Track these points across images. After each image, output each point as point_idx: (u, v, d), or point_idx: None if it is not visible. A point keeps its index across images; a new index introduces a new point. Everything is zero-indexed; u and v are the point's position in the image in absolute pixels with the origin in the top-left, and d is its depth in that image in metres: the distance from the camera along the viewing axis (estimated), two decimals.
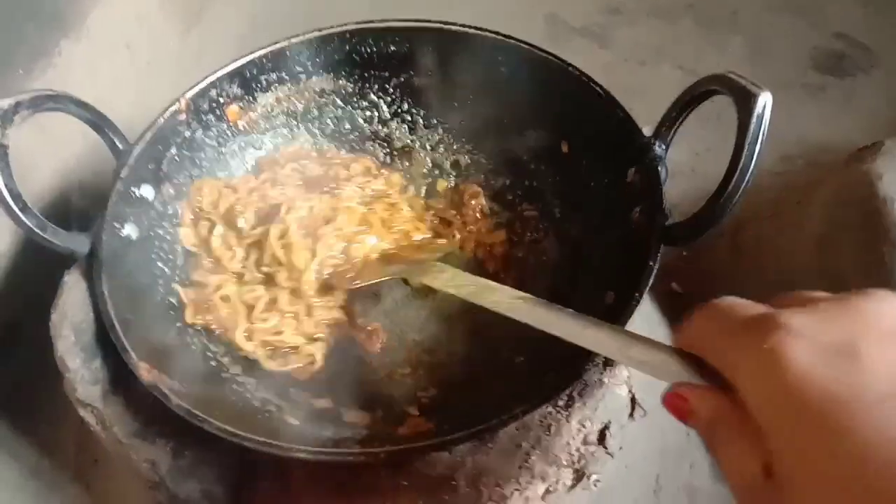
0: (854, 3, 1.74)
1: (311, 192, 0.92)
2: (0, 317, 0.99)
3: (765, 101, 0.68)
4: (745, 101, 0.69)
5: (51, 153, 1.04)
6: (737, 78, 0.71)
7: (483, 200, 1.01)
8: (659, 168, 0.81)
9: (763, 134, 0.68)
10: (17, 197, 0.73)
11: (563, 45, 1.67)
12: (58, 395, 0.96)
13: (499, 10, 1.74)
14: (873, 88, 1.56)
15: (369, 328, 0.89)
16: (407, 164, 1.06)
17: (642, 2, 1.80)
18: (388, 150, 1.07)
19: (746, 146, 0.68)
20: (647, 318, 1.03)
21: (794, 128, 1.46)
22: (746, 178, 0.68)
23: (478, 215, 1.00)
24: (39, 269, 0.98)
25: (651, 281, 0.73)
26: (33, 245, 0.77)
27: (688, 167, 1.39)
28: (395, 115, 1.05)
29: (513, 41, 0.96)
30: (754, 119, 0.67)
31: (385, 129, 1.06)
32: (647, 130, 1.39)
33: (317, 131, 1.05)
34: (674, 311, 1.09)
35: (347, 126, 1.06)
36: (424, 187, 1.05)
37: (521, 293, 0.68)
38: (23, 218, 0.74)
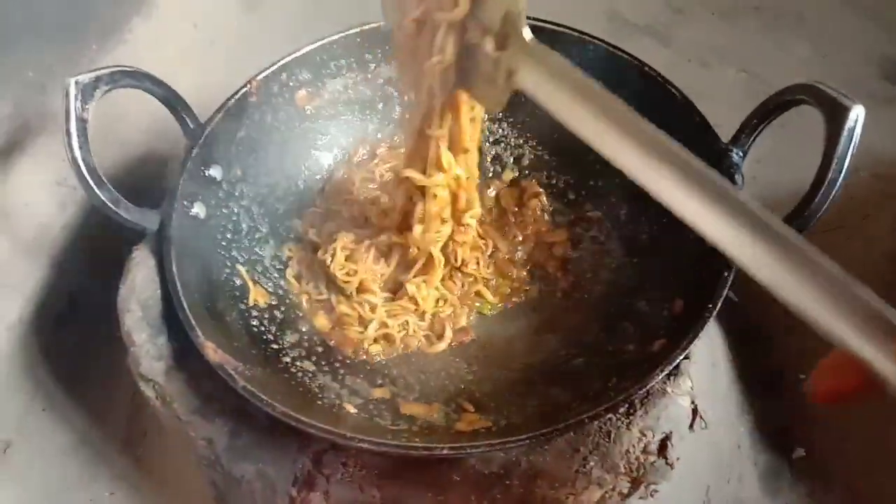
0: None
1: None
2: (63, 287, 1.01)
3: (857, 114, 0.66)
4: (835, 114, 0.67)
5: (120, 127, 1.05)
6: (827, 89, 0.70)
7: (544, 199, 1.00)
8: (735, 176, 0.79)
9: (854, 148, 0.66)
10: (93, 171, 0.75)
11: (624, 43, 1.64)
12: (112, 366, 0.99)
13: (562, 6, 1.72)
14: None
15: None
16: None
17: (707, 1, 1.76)
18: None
19: (835, 160, 0.66)
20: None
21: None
22: (833, 193, 0.67)
23: (538, 213, 0.99)
24: (102, 242, 1.00)
25: (726, 292, 0.71)
26: (98, 218, 0.78)
27: (749, 174, 1.36)
28: None
29: (586, 36, 0.95)
30: (845, 132, 0.66)
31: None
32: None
33: (382, 119, 1.05)
34: (730, 320, 1.07)
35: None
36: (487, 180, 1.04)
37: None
38: (98, 192, 0.75)
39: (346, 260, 0.89)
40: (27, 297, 0.96)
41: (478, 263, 0.92)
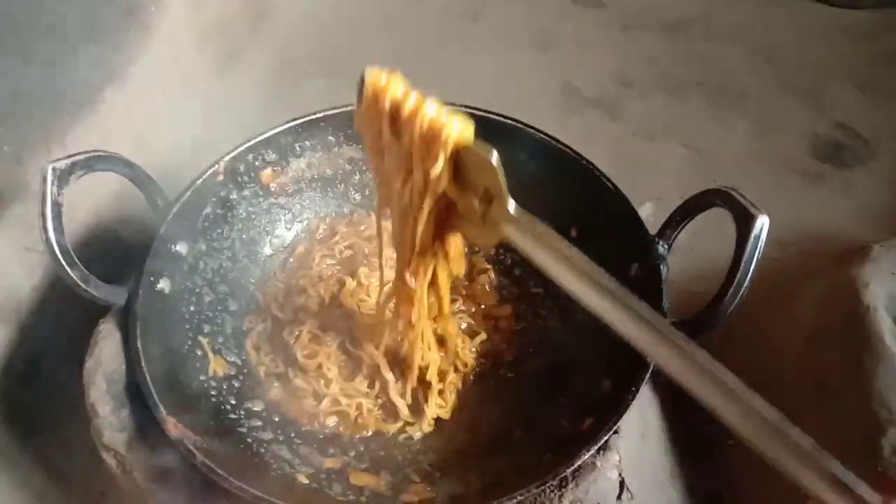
0: (855, 95, 1.82)
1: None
2: (27, 349, 1.04)
3: (762, 223, 0.74)
4: (744, 221, 0.75)
5: (87, 203, 1.10)
6: (738, 197, 0.78)
7: (492, 275, 1.07)
8: (661, 267, 0.87)
9: (759, 253, 0.74)
10: (65, 252, 0.79)
11: (576, 114, 1.75)
12: (72, 427, 1.02)
13: (519, 77, 1.82)
14: (870, 181, 1.62)
15: None
16: None
17: (654, 77, 1.88)
18: None
19: (743, 263, 0.74)
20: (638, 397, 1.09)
21: (791, 214, 1.52)
22: (741, 293, 0.75)
23: (486, 288, 1.06)
24: (67, 306, 1.04)
25: (647, 376, 0.78)
26: (64, 284, 0.82)
27: (686, 245, 1.45)
28: None
29: (530, 129, 1.02)
30: (751, 239, 0.74)
31: None
32: (650, 207, 1.47)
33: (343, 195, 1.12)
34: (665, 388, 1.14)
35: (371, 192, 1.12)
36: None
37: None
38: (70, 272, 0.79)
39: (308, 342, 0.95)
40: None
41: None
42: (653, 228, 0.92)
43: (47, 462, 1.08)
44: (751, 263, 0.74)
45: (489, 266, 1.08)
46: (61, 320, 1.06)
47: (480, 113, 1.03)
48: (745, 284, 0.75)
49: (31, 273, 1.06)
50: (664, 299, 0.85)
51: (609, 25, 2.02)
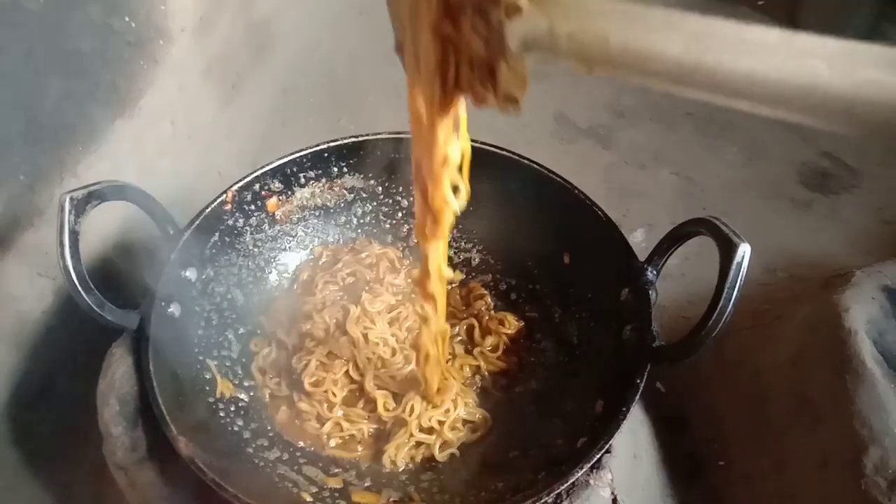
0: None
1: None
2: (38, 371, 1.07)
3: (744, 251, 0.78)
4: (727, 249, 0.79)
5: (98, 230, 1.14)
6: (722, 226, 0.82)
7: (488, 300, 1.11)
8: (650, 292, 0.91)
9: (741, 280, 0.78)
10: (82, 279, 0.83)
11: (569, 144, 1.80)
12: (79, 448, 1.05)
13: None
14: (855, 208, 1.68)
15: None
16: None
17: (645, 106, 1.93)
18: (406, 243, 1.17)
19: (725, 290, 0.78)
20: (630, 416, 1.12)
21: (780, 240, 1.57)
22: (724, 318, 0.79)
23: (483, 312, 1.10)
24: (78, 329, 1.08)
25: (637, 397, 0.82)
26: (74, 307, 0.86)
27: (678, 271, 1.50)
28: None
29: (524, 161, 1.07)
30: (734, 267, 0.78)
31: (406, 225, 1.17)
32: (641, 234, 1.51)
33: (345, 223, 1.16)
34: (657, 409, 1.18)
35: (371, 220, 1.16)
36: None
37: None
38: (86, 298, 0.83)
39: (316, 369, 0.98)
40: (4, 380, 1.03)
41: None
42: (644, 254, 0.96)
43: (58, 484, 1.11)
44: (733, 290, 0.78)
45: (485, 291, 1.12)
46: (71, 345, 1.10)
47: (477, 144, 1.07)
48: (728, 310, 0.78)
49: (43, 297, 1.09)
50: (653, 323, 0.88)
51: None
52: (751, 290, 1.47)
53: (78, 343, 1.09)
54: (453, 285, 1.14)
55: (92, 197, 0.86)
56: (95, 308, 0.84)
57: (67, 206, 0.83)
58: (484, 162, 1.08)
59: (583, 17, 0.47)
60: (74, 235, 0.83)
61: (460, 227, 1.16)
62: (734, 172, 1.77)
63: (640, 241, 1.52)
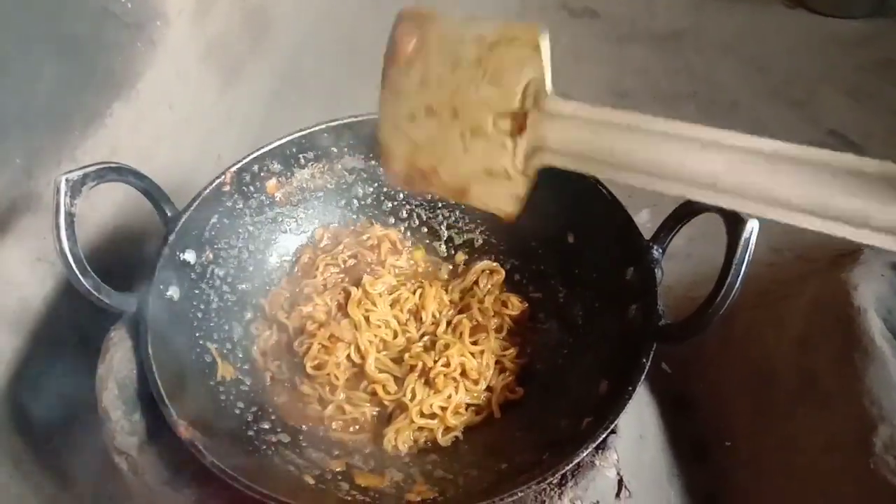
0: (846, 102, 1.86)
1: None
2: (40, 357, 1.07)
3: (752, 227, 0.77)
4: (734, 225, 0.78)
5: (97, 214, 1.13)
6: None
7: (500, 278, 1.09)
8: (655, 270, 0.90)
9: (749, 256, 0.77)
10: (79, 261, 0.82)
11: None
12: (83, 433, 1.05)
13: None
14: None
15: None
16: (427, 240, 1.16)
17: (648, 87, 1.91)
18: (407, 225, 1.16)
19: (733, 267, 0.77)
20: (635, 397, 1.11)
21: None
22: (732, 295, 0.77)
23: (490, 286, 1.08)
24: (78, 314, 1.07)
25: (643, 377, 0.81)
26: (75, 293, 0.85)
27: (684, 252, 1.48)
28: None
29: None
30: (741, 243, 0.76)
31: (407, 206, 1.16)
32: (646, 214, 1.49)
33: (345, 205, 1.15)
34: (663, 390, 1.17)
35: (372, 201, 1.15)
36: (442, 262, 1.15)
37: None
38: (83, 281, 0.82)
39: (318, 353, 0.97)
40: (5, 366, 1.02)
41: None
42: (649, 235, 0.94)
43: (59, 468, 1.11)
44: (741, 266, 0.77)
45: (499, 268, 1.11)
46: (72, 329, 1.09)
47: None
48: (736, 287, 0.77)
49: (44, 283, 1.08)
50: (658, 302, 0.87)
51: (604, 38, 2.06)
52: (757, 270, 1.45)
53: (79, 328, 1.09)
54: (458, 266, 1.13)
55: (88, 178, 0.84)
56: (93, 291, 0.83)
57: (63, 187, 0.81)
58: None
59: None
60: (70, 217, 0.81)
61: (463, 207, 1.14)
62: None
63: (646, 221, 1.49)
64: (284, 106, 1.68)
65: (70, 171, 0.83)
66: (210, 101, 1.53)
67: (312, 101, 1.74)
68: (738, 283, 0.77)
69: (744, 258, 0.76)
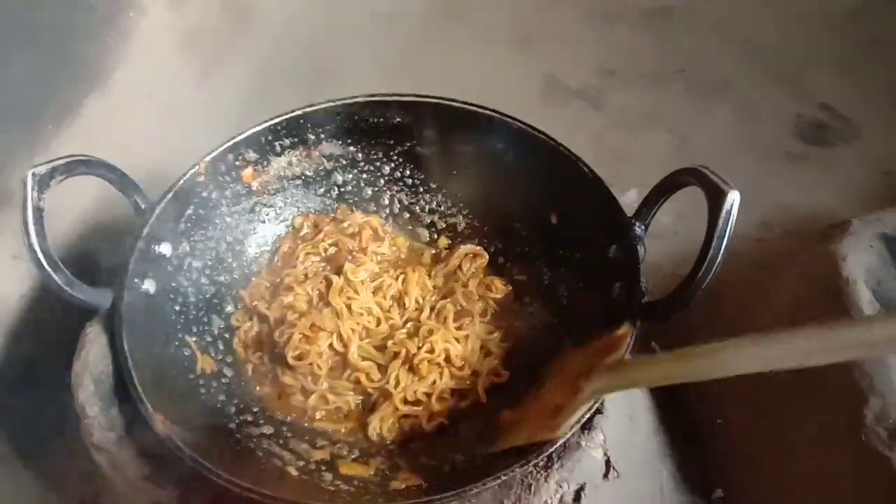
0: (838, 76, 1.83)
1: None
2: (19, 355, 1.05)
3: (733, 199, 0.75)
4: (715, 198, 0.76)
5: (71, 209, 1.11)
6: (710, 174, 0.78)
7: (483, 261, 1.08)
8: (638, 247, 0.88)
9: (731, 228, 0.75)
10: (48, 256, 0.80)
11: (559, 106, 1.76)
12: (66, 430, 1.03)
13: (501, 69, 1.83)
14: (853, 160, 1.64)
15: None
16: (409, 226, 1.14)
17: (636, 65, 1.89)
18: (389, 211, 1.14)
19: (715, 238, 0.75)
20: None
21: (775, 195, 1.53)
22: (715, 267, 0.76)
23: (473, 270, 1.07)
24: (56, 312, 1.06)
25: (627, 352, 0.79)
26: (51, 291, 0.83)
27: (671, 230, 1.46)
28: (397, 179, 1.13)
29: (507, 118, 1.02)
30: (723, 215, 0.75)
31: (388, 192, 1.14)
32: (634, 194, 1.47)
33: (325, 192, 1.13)
34: None
35: (352, 188, 1.13)
36: (425, 247, 1.13)
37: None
38: (53, 276, 0.80)
39: (299, 342, 0.95)
40: None
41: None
42: None
43: (43, 467, 1.09)
44: (723, 238, 0.75)
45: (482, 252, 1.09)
46: (52, 327, 1.07)
47: (457, 104, 1.04)
48: (718, 259, 0.75)
49: (21, 281, 1.07)
50: (642, 279, 0.85)
51: (590, 16, 2.03)
52: (747, 247, 1.44)
53: (61, 327, 1.07)
54: (441, 251, 1.12)
55: (56, 172, 0.82)
56: (65, 287, 0.81)
57: (30, 181, 0.79)
58: (467, 123, 1.05)
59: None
60: (39, 212, 0.80)
61: (444, 191, 1.13)
62: (729, 130, 1.72)
63: (634, 201, 1.48)
64: (266, 94, 1.65)
65: (38, 165, 0.81)
66: (188, 91, 1.51)
67: (295, 89, 1.71)
68: (721, 255, 0.76)
69: (725, 230, 0.75)
